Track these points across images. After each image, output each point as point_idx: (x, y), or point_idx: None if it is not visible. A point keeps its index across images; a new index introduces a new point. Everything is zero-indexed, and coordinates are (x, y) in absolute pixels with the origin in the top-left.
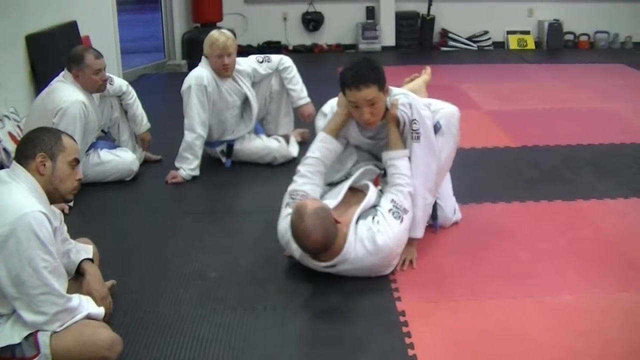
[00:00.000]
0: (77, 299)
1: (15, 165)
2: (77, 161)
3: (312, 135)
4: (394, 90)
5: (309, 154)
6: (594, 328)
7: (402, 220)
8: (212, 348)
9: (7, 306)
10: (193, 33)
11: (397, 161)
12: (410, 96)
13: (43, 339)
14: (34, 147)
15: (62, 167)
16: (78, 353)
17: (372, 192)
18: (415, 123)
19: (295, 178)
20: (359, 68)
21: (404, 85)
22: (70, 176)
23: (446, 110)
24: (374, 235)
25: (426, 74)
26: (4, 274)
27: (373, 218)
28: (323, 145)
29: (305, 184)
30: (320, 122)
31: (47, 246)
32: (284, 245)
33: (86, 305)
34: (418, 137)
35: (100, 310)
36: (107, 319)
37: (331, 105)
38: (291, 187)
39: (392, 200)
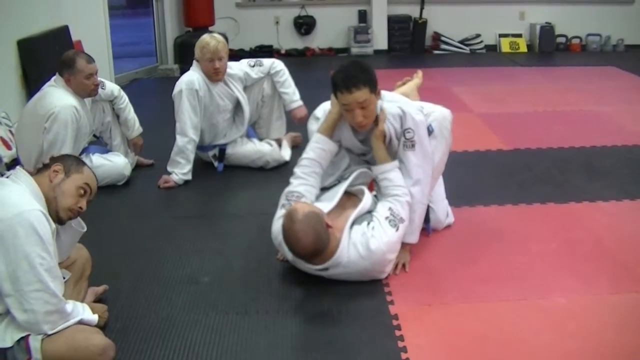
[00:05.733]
0: (71, 305)
1: (19, 170)
2: (86, 191)
3: (305, 139)
4: (387, 95)
5: (304, 155)
6: (587, 330)
7: (397, 229)
8: (204, 352)
9: (1, 305)
10: (185, 37)
11: (389, 174)
12: (402, 102)
13: (34, 343)
14: (56, 161)
15: (70, 186)
16: (70, 358)
17: (367, 197)
18: (409, 132)
19: (291, 179)
20: (350, 70)
21: (395, 88)
22: (73, 197)
23: (438, 113)
24: (367, 240)
25: (418, 77)
26: (3, 269)
27: (368, 223)
28: (317, 146)
29: (301, 185)
30: (313, 126)
31: (45, 244)
32: (277, 247)
33: (81, 312)
34: (413, 146)
35: (94, 317)
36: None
37: (324, 109)
38: (287, 189)
39: (390, 209)
